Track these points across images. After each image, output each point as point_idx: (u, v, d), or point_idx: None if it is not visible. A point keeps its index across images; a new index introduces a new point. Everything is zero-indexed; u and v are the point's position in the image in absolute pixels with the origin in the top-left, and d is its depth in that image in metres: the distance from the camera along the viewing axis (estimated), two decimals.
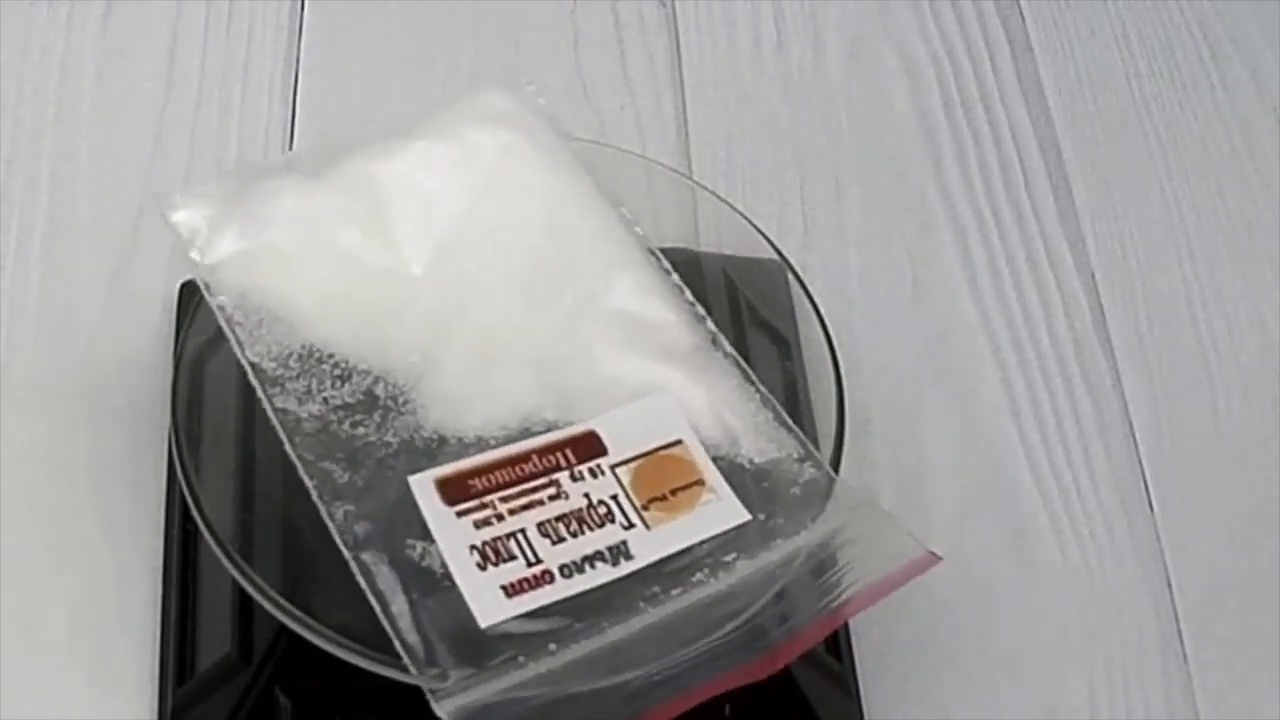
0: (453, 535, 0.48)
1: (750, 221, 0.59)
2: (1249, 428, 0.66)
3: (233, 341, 0.52)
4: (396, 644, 0.46)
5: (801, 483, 0.51)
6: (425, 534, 0.48)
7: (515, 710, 0.45)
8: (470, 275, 0.54)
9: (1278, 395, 0.67)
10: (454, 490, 0.49)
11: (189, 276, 0.64)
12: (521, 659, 0.46)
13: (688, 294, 0.55)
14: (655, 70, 0.75)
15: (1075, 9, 0.79)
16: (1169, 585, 0.61)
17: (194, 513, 0.51)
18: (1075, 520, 0.63)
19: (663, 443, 0.51)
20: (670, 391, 0.52)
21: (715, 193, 0.60)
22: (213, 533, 0.50)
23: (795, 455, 0.52)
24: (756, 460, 0.52)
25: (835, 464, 0.53)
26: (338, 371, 0.52)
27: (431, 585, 0.48)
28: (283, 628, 0.49)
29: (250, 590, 0.49)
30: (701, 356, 0.54)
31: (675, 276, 0.55)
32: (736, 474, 0.51)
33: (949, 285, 0.69)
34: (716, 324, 0.54)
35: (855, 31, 0.77)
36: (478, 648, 0.46)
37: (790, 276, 0.58)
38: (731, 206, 0.59)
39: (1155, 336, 0.68)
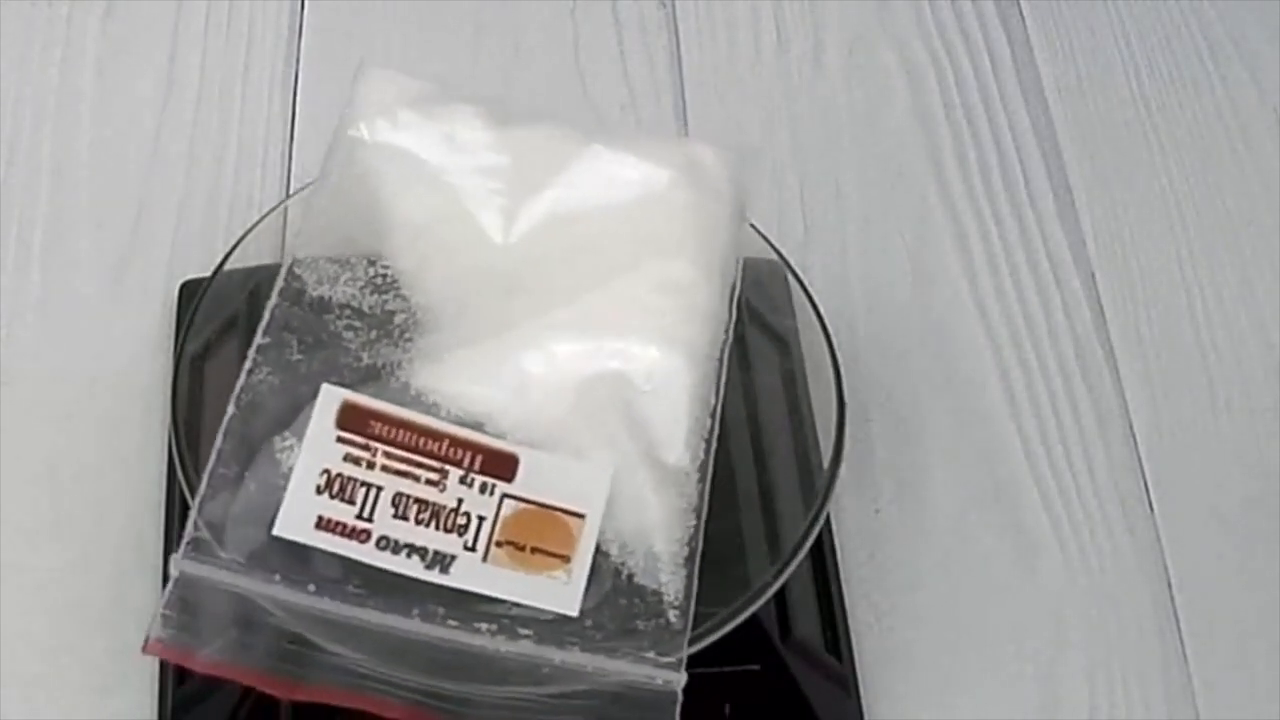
0: (318, 451, 0.48)
1: (750, 222, 0.58)
2: (1249, 427, 0.66)
3: (314, 188, 0.54)
4: (197, 499, 0.47)
5: (654, 622, 0.48)
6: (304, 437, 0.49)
7: (230, 603, 0.46)
8: (538, 273, 0.53)
9: (1278, 395, 0.67)
10: (351, 419, 0.49)
11: (190, 276, 0.64)
12: (278, 578, 0.46)
13: (716, 414, 0.52)
14: (655, 70, 0.75)
15: (1075, 9, 0.79)
16: (1169, 585, 0.61)
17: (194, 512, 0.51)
18: (1075, 520, 0.63)
19: (566, 506, 0.49)
20: (615, 470, 0.50)
21: None
22: None
23: (671, 599, 0.48)
24: (635, 579, 0.49)
25: (835, 463, 0.53)
26: (379, 282, 0.53)
27: (268, 479, 0.48)
28: None
29: None
30: (679, 466, 0.50)
31: (723, 393, 0.52)
32: (606, 576, 0.49)
33: (949, 285, 0.69)
34: None
35: (855, 31, 0.77)
36: (257, 545, 0.47)
37: (790, 276, 0.58)
38: None
39: (1155, 336, 0.68)
